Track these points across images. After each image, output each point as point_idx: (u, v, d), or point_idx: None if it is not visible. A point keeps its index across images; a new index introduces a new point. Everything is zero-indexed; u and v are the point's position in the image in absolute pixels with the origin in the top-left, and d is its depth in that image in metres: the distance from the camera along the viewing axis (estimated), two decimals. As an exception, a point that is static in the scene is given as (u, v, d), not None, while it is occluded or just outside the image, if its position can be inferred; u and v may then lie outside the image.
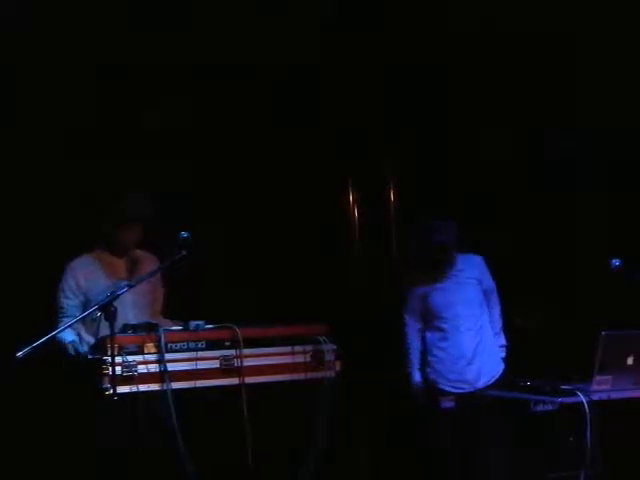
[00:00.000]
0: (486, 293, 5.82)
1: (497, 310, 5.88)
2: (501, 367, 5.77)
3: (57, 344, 4.83)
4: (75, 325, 4.94)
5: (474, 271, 5.78)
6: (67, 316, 5.07)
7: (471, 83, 6.32)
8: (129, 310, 5.02)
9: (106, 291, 4.92)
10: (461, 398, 5.60)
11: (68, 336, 4.93)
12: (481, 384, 5.63)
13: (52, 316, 5.04)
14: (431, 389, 5.71)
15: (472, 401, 5.56)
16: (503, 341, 5.88)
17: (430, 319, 5.75)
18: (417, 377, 5.75)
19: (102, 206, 5.20)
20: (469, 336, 5.69)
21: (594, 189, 6.79)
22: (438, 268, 5.73)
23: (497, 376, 5.70)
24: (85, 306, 5.07)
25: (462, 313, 5.70)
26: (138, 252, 5.28)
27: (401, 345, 5.80)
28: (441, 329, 5.71)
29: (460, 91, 6.37)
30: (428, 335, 5.76)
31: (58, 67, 5.67)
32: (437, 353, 5.71)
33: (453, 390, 5.63)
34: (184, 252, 4.90)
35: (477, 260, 5.81)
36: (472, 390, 5.62)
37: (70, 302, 5.10)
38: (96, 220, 5.20)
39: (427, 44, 6.06)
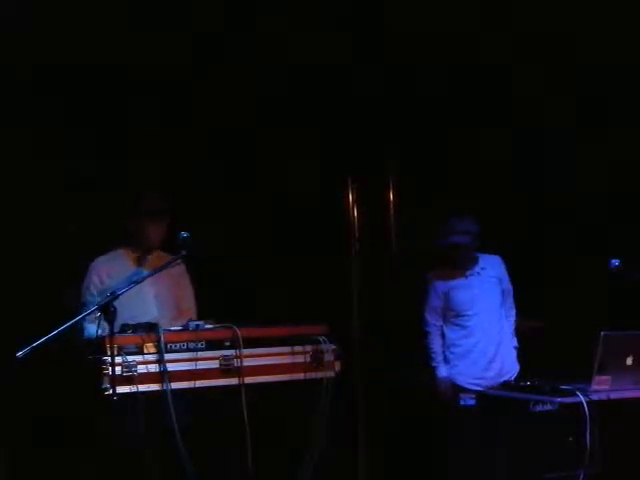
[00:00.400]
0: (504, 293, 5.88)
1: (513, 311, 5.93)
2: (517, 368, 5.82)
3: (84, 340, 4.84)
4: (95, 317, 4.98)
5: (495, 270, 5.86)
6: (92, 314, 5.08)
7: (472, 81, 6.32)
8: (152, 308, 5.03)
9: (130, 289, 5.01)
10: (481, 396, 5.61)
11: (92, 330, 4.95)
12: (498, 382, 5.66)
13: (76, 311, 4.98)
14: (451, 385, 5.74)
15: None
16: (516, 343, 5.93)
17: (451, 316, 5.81)
18: (444, 372, 5.79)
19: (125, 204, 5.19)
20: (492, 334, 5.74)
21: (592, 189, 6.80)
22: (459, 266, 5.79)
23: (514, 376, 5.75)
24: None
25: (486, 311, 5.75)
26: (161, 253, 5.28)
27: (424, 342, 5.87)
28: (464, 326, 5.77)
29: (462, 89, 6.36)
30: (448, 332, 5.81)
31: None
32: (458, 350, 5.75)
33: (473, 388, 5.67)
34: (184, 252, 4.92)
35: (497, 260, 5.89)
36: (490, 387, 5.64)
37: (93, 299, 5.10)
38: (119, 218, 5.18)
39: (427, 43, 6.05)
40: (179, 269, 5.27)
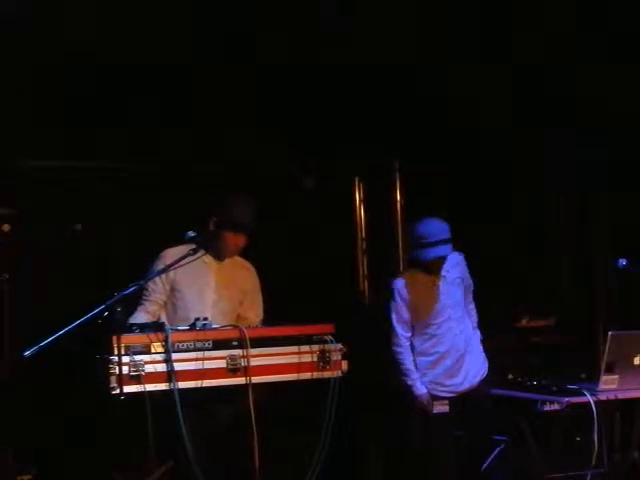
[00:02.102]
0: (466, 290, 5.65)
1: (473, 304, 5.71)
2: (486, 364, 5.59)
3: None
4: (154, 309, 5.07)
5: (458, 270, 5.60)
6: (150, 300, 5.10)
7: (469, 81, 6.30)
8: (209, 310, 5.03)
9: (193, 286, 5.06)
10: (453, 401, 5.49)
11: (139, 318, 5.00)
12: (467, 385, 5.50)
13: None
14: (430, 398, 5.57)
15: (467, 400, 5.48)
16: (480, 335, 5.68)
17: (420, 326, 5.54)
18: (422, 388, 5.50)
19: (215, 210, 5.11)
20: (461, 338, 5.52)
21: (600, 189, 6.81)
22: (433, 274, 5.53)
23: (484, 373, 5.54)
24: (172, 296, 5.11)
25: (453, 316, 5.54)
26: (235, 258, 5.25)
27: (395, 357, 5.54)
28: (433, 335, 5.52)
29: (460, 89, 6.35)
30: (417, 342, 5.55)
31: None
32: (429, 359, 5.52)
33: (446, 395, 5.47)
34: (191, 251, 4.93)
35: (459, 259, 5.61)
36: (460, 391, 5.50)
37: (155, 287, 5.10)
38: (204, 217, 5.14)
39: (429, 44, 6.04)
40: (249, 282, 5.26)
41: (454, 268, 5.58)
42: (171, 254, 5.09)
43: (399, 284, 5.53)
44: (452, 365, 5.51)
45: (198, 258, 5.00)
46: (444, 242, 5.41)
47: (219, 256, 5.18)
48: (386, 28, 5.91)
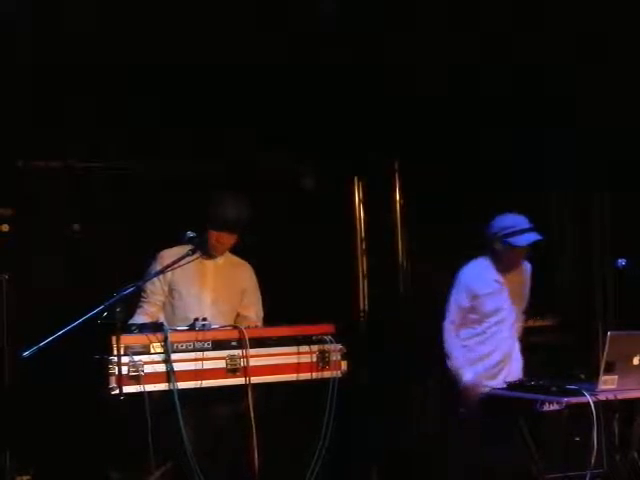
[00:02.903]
0: (524, 298, 5.75)
1: (522, 315, 5.84)
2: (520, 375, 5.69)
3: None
4: (152, 310, 5.08)
5: (525, 277, 5.71)
6: (148, 302, 5.12)
7: (474, 81, 6.30)
8: (207, 310, 5.04)
9: (191, 286, 5.08)
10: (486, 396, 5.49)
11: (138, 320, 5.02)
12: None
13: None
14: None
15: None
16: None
17: (472, 320, 5.60)
18: (469, 374, 5.53)
19: (204, 207, 5.15)
20: (507, 343, 5.62)
21: (595, 189, 6.81)
22: (510, 269, 5.61)
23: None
24: (170, 296, 5.13)
25: (508, 318, 5.62)
26: (231, 257, 5.28)
27: (442, 340, 5.55)
28: (481, 333, 5.59)
29: (464, 89, 6.36)
30: (463, 333, 5.61)
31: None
32: (471, 356, 5.58)
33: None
34: (190, 252, 4.94)
35: (529, 267, 5.73)
36: None
37: (153, 288, 5.13)
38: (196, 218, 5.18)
39: (429, 44, 6.04)
40: (247, 280, 5.28)
41: (522, 274, 5.68)
42: (168, 255, 5.10)
43: (468, 271, 5.60)
44: (492, 367, 5.58)
45: (196, 259, 5.00)
46: (531, 230, 5.53)
47: (210, 255, 5.17)
48: (386, 27, 5.92)
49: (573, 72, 6.16)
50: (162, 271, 5.00)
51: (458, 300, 5.60)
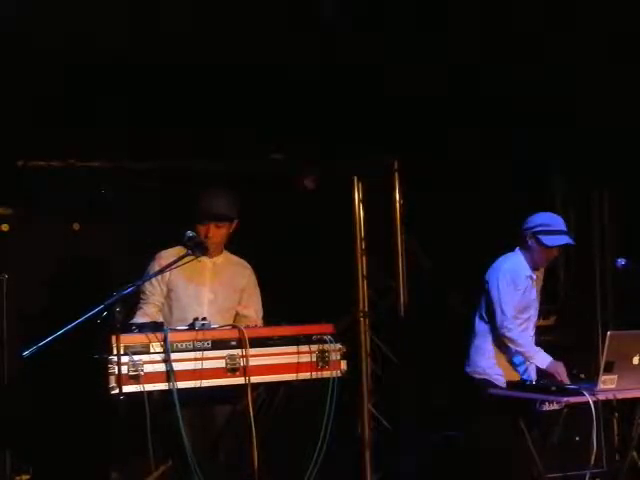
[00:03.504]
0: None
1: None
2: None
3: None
4: (152, 311, 5.07)
5: (543, 276, 5.74)
6: (148, 303, 5.11)
7: (472, 79, 6.29)
8: (205, 309, 5.04)
9: (188, 286, 5.07)
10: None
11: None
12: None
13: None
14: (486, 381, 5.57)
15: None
16: None
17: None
18: (546, 357, 5.48)
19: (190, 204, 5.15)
20: (533, 341, 5.63)
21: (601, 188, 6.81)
22: (541, 267, 5.67)
23: None
24: (167, 297, 5.13)
25: (533, 317, 5.67)
26: (230, 256, 5.27)
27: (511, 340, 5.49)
28: None
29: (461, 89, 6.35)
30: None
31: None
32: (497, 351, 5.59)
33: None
34: (190, 251, 4.94)
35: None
36: None
37: (152, 289, 5.12)
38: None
39: (428, 43, 6.03)
40: (246, 279, 5.27)
41: (543, 272, 5.71)
42: (166, 255, 5.10)
43: (513, 265, 5.57)
44: (517, 366, 5.58)
45: (194, 259, 5.00)
46: (565, 233, 5.56)
47: (209, 254, 5.16)
48: (381, 26, 5.91)
49: (574, 72, 6.16)
50: (161, 271, 5.00)
51: (508, 293, 5.51)
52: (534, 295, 5.67)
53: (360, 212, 6.86)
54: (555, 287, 7.03)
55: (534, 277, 5.65)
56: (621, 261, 5.60)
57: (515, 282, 5.57)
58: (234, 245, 5.37)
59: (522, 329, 5.59)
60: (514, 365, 5.62)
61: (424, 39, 5.92)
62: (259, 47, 5.87)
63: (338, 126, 6.28)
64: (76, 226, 5.99)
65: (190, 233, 4.98)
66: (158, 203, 6.16)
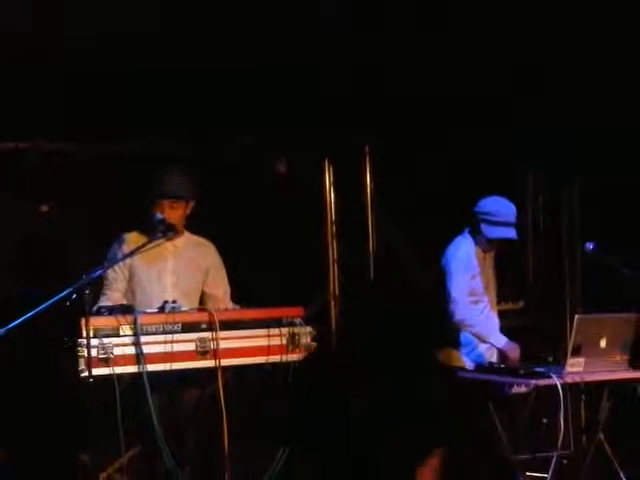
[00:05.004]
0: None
1: None
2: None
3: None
4: (116, 296, 5.02)
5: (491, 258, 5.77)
6: (111, 289, 5.08)
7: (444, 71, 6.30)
8: (169, 296, 5.00)
9: (151, 270, 5.04)
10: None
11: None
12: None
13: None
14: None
15: None
16: None
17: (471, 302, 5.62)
18: (501, 338, 5.54)
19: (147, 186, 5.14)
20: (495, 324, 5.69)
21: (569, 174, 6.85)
22: (484, 252, 5.67)
23: None
24: (130, 281, 5.09)
25: (492, 302, 5.72)
26: (192, 237, 5.24)
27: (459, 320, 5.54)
28: (480, 314, 5.62)
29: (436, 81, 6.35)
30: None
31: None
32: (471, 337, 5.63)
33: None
34: (160, 234, 4.93)
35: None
36: None
37: (115, 275, 5.08)
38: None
39: (425, 42, 6.03)
40: (210, 258, 5.23)
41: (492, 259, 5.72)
42: (130, 239, 5.07)
43: (464, 249, 5.58)
44: (488, 349, 5.63)
45: (163, 242, 4.97)
46: (509, 224, 5.53)
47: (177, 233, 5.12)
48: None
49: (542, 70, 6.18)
50: (131, 254, 4.96)
51: (462, 281, 5.55)
52: (489, 276, 5.69)
53: (331, 195, 6.85)
54: (524, 271, 7.07)
55: (486, 258, 5.68)
56: (590, 245, 5.64)
57: (468, 268, 5.59)
58: (204, 229, 5.36)
59: (484, 315, 5.62)
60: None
61: (391, 16, 5.92)
62: (229, 33, 5.86)
63: (309, 108, 6.27)
64: (44, 208, 5.94)
65: (160, 215, 4.96)
66: (120, 186, 6.11)
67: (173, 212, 5.08)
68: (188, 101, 6.05)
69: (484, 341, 5.56)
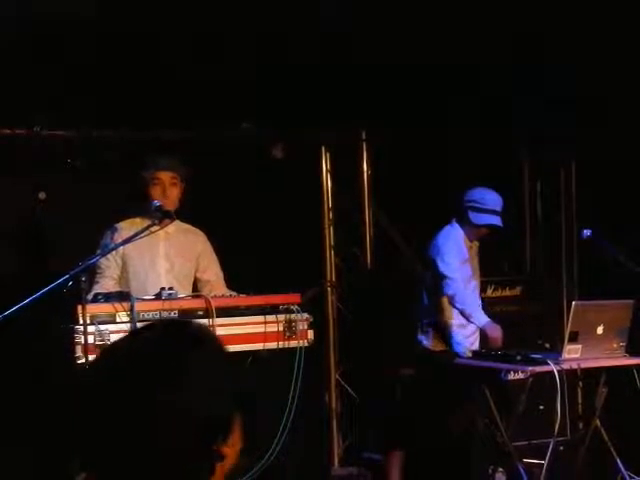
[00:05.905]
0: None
1: None
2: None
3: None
4: (110, 284, 5.00)
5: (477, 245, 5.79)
6: (104, 276, 5.06)
7: (443, 47, 6.26)
8: (162, 279, 4.99)
9: (144, 257, 5.03)
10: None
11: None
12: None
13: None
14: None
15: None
16: None
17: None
18: (483, 317, 5.49)
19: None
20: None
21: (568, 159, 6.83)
22: (471, 240, 5.68)
23: None
24: (124, 269, 5.08)
25: (477, 288, 5.73)
26: (182, 224, 5.23)
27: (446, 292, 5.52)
28: None
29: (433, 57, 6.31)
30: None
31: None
32: (456, 322, 5.61)
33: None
34: (156, 221, 4.91)
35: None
36: None
37: (107, 263, 5.06)
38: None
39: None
40: (200, 244, 5.22)
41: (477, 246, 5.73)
42: (124, 227, 5.06)
43: (454, 240, 5.59)
44: (472, 333, 5.61)
45: (159, 229, 4.96)
46: (495, 213, 5.54)
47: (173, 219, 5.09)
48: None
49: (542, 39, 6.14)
50: (126, 242, 4.92)
51: (454, 261, 5.54)
52: (474, 264, 5.72)
53: (328, 182, 6.84)
54: (521, 257, 7.07)
55: (472, 247, 5.70)
56: (587, 232, 5.63)
57: (460, 254, 5.60)
58: (201, 215, 5.34)
59: (473, 298, 5.64)
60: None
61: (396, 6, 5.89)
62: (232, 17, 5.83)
63: (305, 95, 6.25)
64: (42, 195, 5.92)
65: (157, 203, 4.94)
66: (121, 173, 6.08)
67: (171, 191, 5.06)
68: (187, 87, 6.03)
69: (468, 319, 5.53)
